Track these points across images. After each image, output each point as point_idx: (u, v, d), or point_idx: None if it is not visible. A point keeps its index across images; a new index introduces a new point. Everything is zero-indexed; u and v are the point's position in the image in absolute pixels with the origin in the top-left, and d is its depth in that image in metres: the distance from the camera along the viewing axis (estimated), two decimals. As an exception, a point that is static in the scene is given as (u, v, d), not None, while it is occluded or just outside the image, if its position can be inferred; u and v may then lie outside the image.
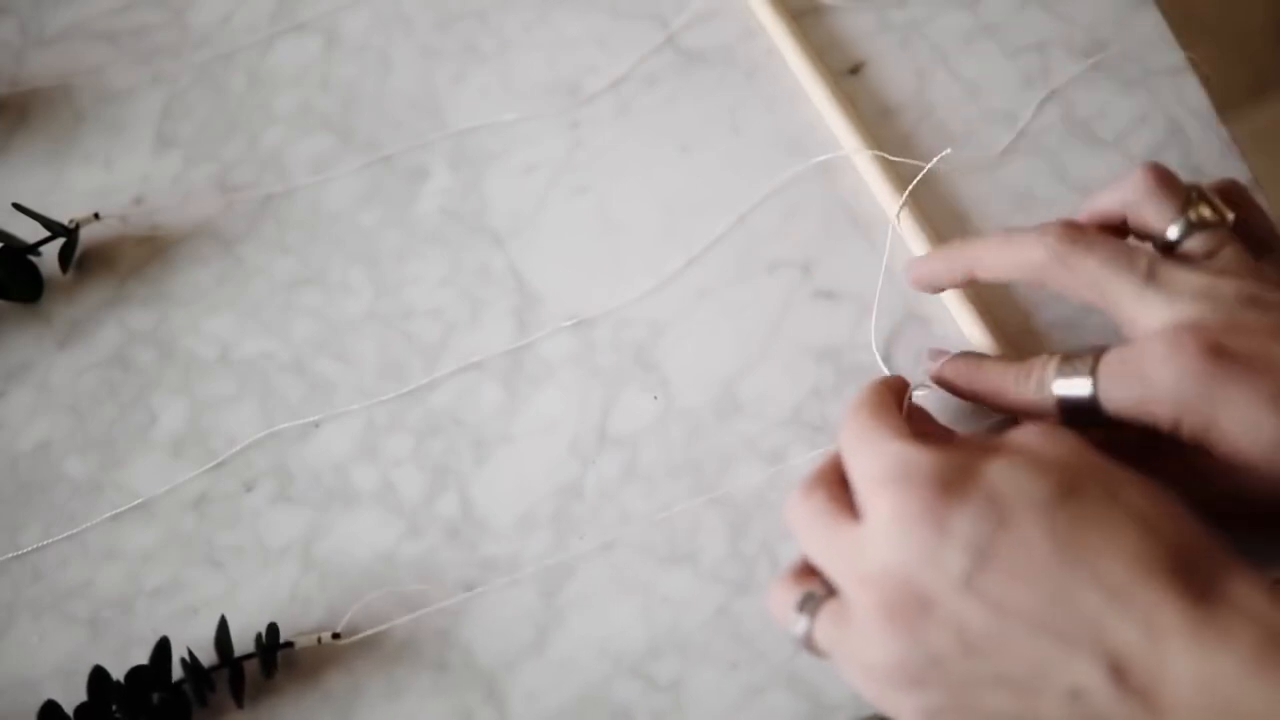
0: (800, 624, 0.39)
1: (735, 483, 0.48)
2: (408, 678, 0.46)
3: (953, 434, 0.44)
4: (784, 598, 0.40)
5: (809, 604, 0.39)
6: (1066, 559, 0.35)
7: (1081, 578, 0.35)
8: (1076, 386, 0.41)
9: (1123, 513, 0.35)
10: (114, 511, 0.49)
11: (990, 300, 0.49)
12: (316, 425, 0.50)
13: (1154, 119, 0.52)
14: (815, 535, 0.39)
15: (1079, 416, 0.41)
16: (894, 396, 0.42)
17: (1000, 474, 0.37)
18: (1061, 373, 0.41)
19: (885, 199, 0.50)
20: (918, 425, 0.42)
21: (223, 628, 0.45)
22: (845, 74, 0.54)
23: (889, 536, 0.36)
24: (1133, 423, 0.40)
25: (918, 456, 0.37)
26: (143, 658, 0.45)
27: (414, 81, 0.56)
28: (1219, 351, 0.38)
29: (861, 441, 0.39)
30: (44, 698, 0.45)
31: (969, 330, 0.48)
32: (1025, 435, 0.38)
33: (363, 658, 0.46)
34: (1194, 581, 0.34)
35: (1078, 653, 0.34)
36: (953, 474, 0.37)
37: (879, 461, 0.38)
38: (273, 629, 0.45)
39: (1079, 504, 0.36)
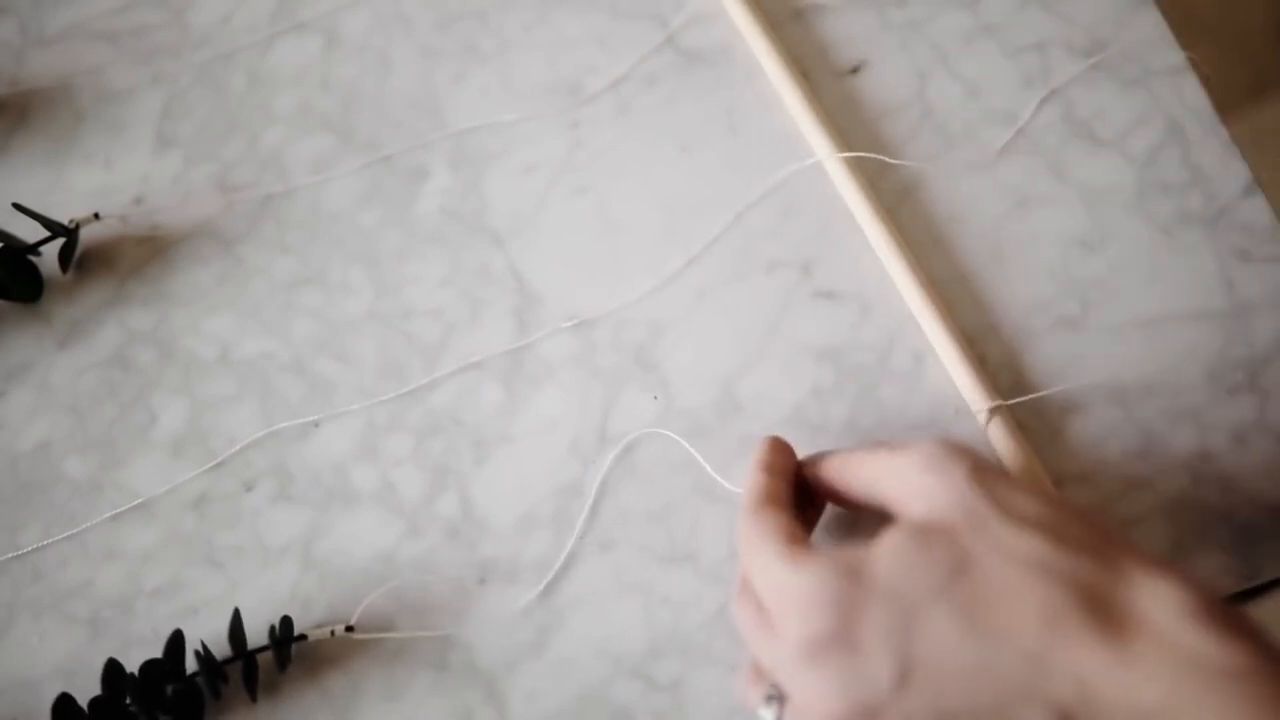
0: (770, 716, 0.39)
1: (735, 483, 0.48)
2: (408, 678, 0.46)
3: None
4: (751, 691, 0.40)
5: (773, 701, 0.39)
6: (982, 637, 0.34)
7: (1003, 651, 0.34)
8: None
9: (1017, 569, 0.35)
10: (114, 511, 0.49)
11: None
12: (316, 425, 0.50)
13: (1154, 119, 0.52)
14: (755, 643, 0.39)
15: None
16: (781, 473, 0.42)
17: (888, 566, 0.36)
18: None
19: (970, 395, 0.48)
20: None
21: (236, 620, 0.45)
22: (845, 74, 0.54)
23: (809, 668, 0.36)
24: None
25: (802, 581, 0.37)
26: (143, 658, 0.45)
27: (414, 81, 0.56)
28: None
29: (750, 557, 0.39)
30: (44, 698, 0.45)
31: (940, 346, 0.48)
32: (906, 498, 0.38)
33: (363, 657, 0.46)
34: (1104, 616, 0.34)
35: (1026, 710, 0.34)
36: (843, 587, 0.36)
37: (770, 590, 0.38)
38: (286, 621, 0.45)
39: (972, 575, 0.35)
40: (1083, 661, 0.34)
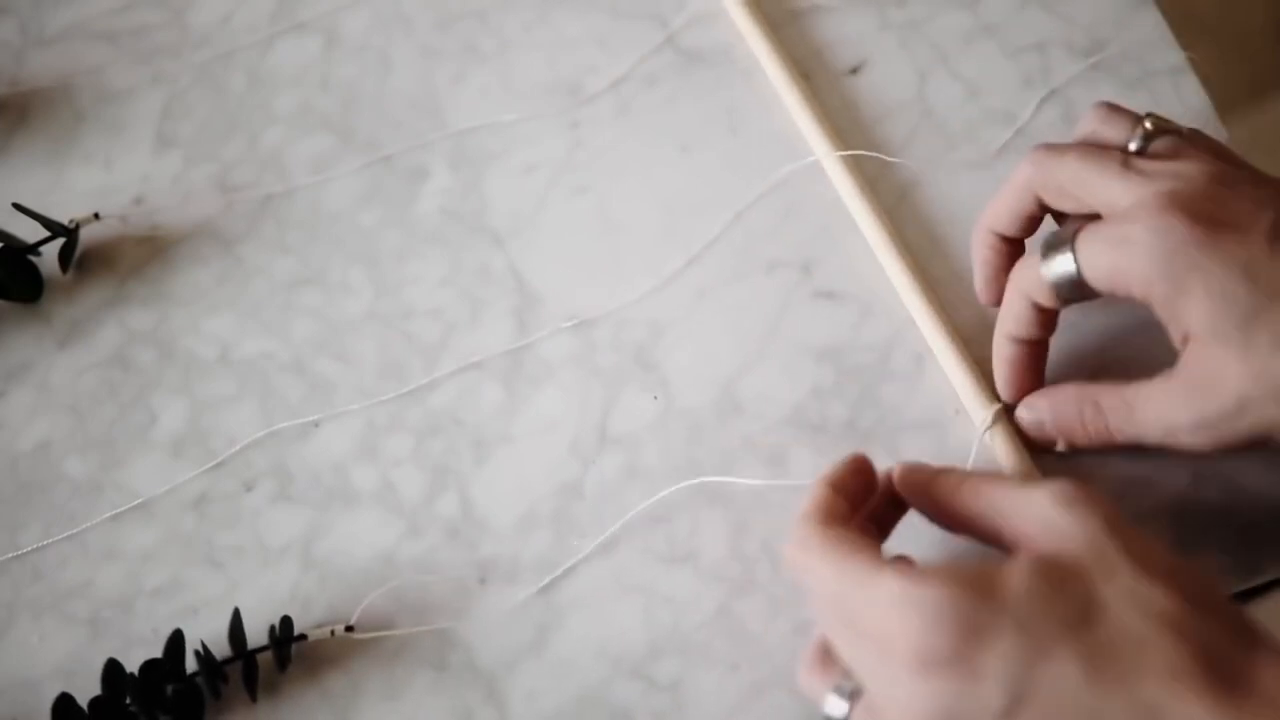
0: (839, 709, 0.38)
1: (735, 482, 0.47)
2: (407, 677, 0.46)
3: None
4: (816, 680, 0.39)
5: (843, 694, 0.38)
6: (1102, 686, 0.34)
7: (1119, 703, 0.34)
8: (1061, 264, 0.41)
9: (1146, 621, 0.35)
10: (114, 511, 0.49)
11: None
12: (316, 425, 0.50)
13: (1154, 119, 0.52)
14: (842, 646, 0.38)
15: (1069, 297, 0.42)
16: (849, 494, 0.41)
17: (1020, 597, 0.35)
18: (1045, 255, 0.42)
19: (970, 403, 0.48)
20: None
21: (236, 620, 0.45)
22: (845, 74, 0.54)
23: (914, 680, 0.35)
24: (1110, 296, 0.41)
25: (922, 595, 0.35)
26: (143, 658, 0.45)
27: (414, 81, 0.56)
28: (1196, 214, 0.39)
29: (842, 581, 0.37)
30: (44, 698, 0.45)
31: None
32: (1032, 532, 0.37)
33: (363, 657, 0.46)
34: (1225, 680, 0.34)
35: None
36: (970, 608, 0.35)
37: (874, 605, 0.36)
38: (286, 621, 0.45)
39: (1102, 621, 0.35)
40: (1197, 717, 0.33)
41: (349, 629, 0.46)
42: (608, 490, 0.48)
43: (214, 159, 0.55)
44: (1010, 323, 0.45)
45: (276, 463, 0.49)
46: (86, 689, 0.45)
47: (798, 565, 0.39)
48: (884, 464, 0.47)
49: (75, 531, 0.49)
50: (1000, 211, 0.45)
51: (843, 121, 0.53)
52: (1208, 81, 0.52)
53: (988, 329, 0.49)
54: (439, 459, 0.49)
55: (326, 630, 0.46)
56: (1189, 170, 0.41)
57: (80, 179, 0.55)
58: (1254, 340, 0.39)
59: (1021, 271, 0.44)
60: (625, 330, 0.50)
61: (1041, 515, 0.38)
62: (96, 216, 0.53)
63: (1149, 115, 0.44)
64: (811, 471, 0.47)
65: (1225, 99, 0.53)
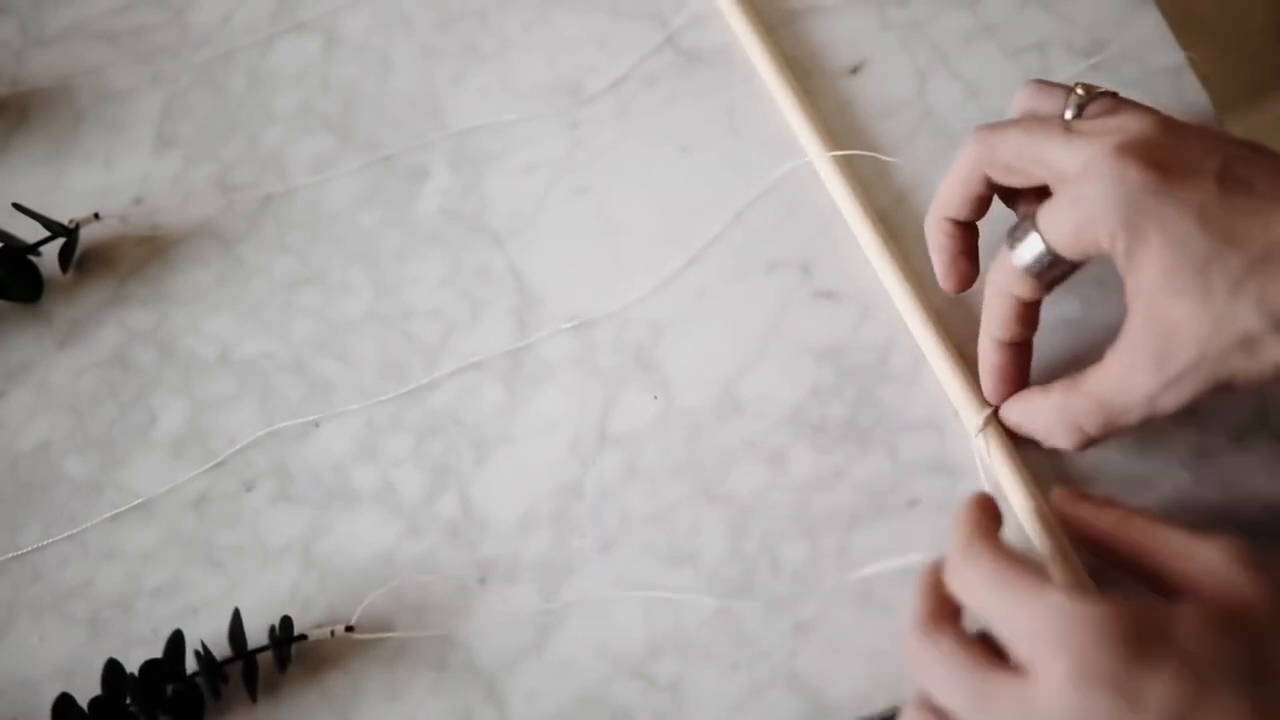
0: None
1: (735, 483, 0.48)
2: (407, 677, 0.46)
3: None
4: None
5: None
6: None
7: None
8: (1029, 246, 0.41)
9: None
10: (114, 511, 0.49)
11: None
12: (316, 425, 0.50)
13: (1154, 119, 0.52)
14: (957, 687, 0.36)
15: (1048, 278, 0.42)
16: (992, 522, 0.40)
17: (1194, 636, 0.34)
18: (1012, 243, 0.42)
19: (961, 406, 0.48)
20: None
21: (236, 620, 0.45)
22: (845, 74, 0.54)
23: (1070, 702, 0.34)
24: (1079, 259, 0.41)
25: (1093, 611, 0.34)
26: (143, 658, 0.45)
27: (414, 81, 0.56)
28: (1147, 160, 0.39)
29: (1005, 592, 0.36)
30: (44, 698, 0.45)
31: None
32: (1205, 581, 0.37)
33: (363, 658, 0.46)
34: None
35: None
36: (1141, 632, 0.34)
37: (1043, 617, 0.35)
38: (286, 622, 0.45)
39: (1275, 679, 0.34)
40: None
41: (349, 629, 0.46)
42: (608, 490, 0.48)
43: (214, 159, 0.55)
44: (994, 325, 0.44)
45: (276, 463, 0.49)
46: (86, 689, 0.45)
47: (974, 594, 0.38)
48: (885, 464, 0.48)
49: (75, 531, 0.49)
50: (950, 196, 0.45)
51: (842, 121, 0.53)
52: (1208, 81, 0.52)
53: (974, 338, 0.49)
54: (439, 459, 0.49)
55: (326, 630, 0.46)
56: (1132, 123, 0.41)
57: (80, 179, 0.55)
58: (1211, 287, 0.38)
59: (996, 270, 0.43)
60: (625, 330, 0.50)
61: (1217, 567, 0.37)
62: (96, 216, 0.53)
63: (1078, 84, 0.44)
64: (811, 471, 0.47)
65: (1225, 99, 0.53)
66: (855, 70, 0.54)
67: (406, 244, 0.53)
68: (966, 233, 0.46)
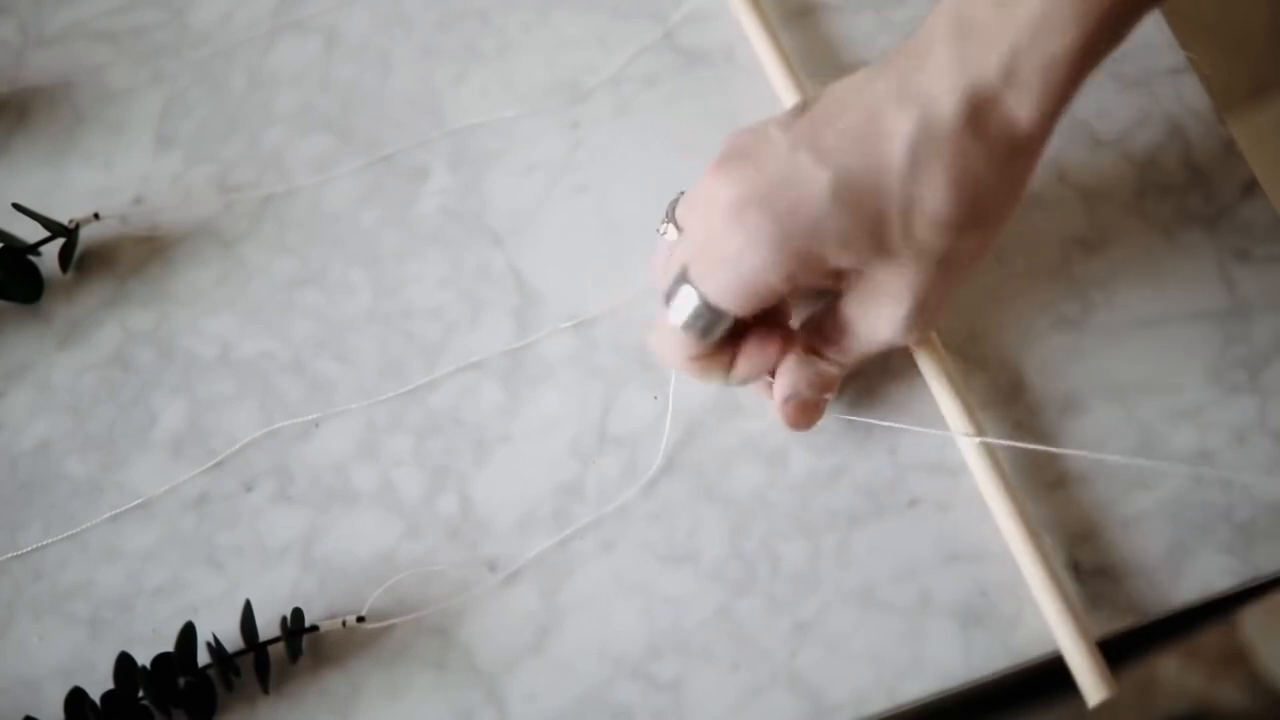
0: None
1: (735, 483, 0.48)
2: (408, 677, 0.46)
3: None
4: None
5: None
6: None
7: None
8: (684, 303, 0.42)
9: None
10: (114, 511, 0.49)
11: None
12: (316, 425, 0.50)
13: (1154, 119, 0.52)
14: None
15: (711, 333, 0.43)
16: None
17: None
18: (684, 321, 0.43)
19: None
20: None
21: (248, 612, 0.45)
22: (845, 74, 0.54)
23: (713, 181, 0.41)
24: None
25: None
26: (143, 658, 0.45)
27: (414, 81, 0.56)
28: (752, 195, 0.40)
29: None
30: (44, 698, 0.45)
31: None
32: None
33: (365, 659, 0.46)
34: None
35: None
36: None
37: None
38: (297, 613, 0.45)
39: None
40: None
41: (360, 619, 0.46)
42: (608, 490, 0.48)
43: (214, 159, 0.55)
44: (693, 368, 0.45)
45: (276, 463, 0.49)
46: (87, 688, 0.45)
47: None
48: (885, 464, 0.48)
49: (75, 531, 0.49)
50: (689, 363, 0.44)
51: (843, 121, 0.53)
52: (1208, 81, 0.52)
53: (988, 328, 0.49)
54: (439, 459, 0.49)
55: (338, 621, 0.46)
56: (711, 191, 0.42)
57: (80, 179, 0.55)
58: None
59: (675, 354, 0.44)
60: (625, 330, 0.50)
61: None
62: (96, 216, 0.53)
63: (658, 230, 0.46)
64: (811, 471, 0.47)
65: (1225, 99, 0.53)
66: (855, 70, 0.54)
67: (406, 244, 0.53)
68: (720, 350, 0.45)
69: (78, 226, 0.53)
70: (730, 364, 0.44)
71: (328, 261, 0.53)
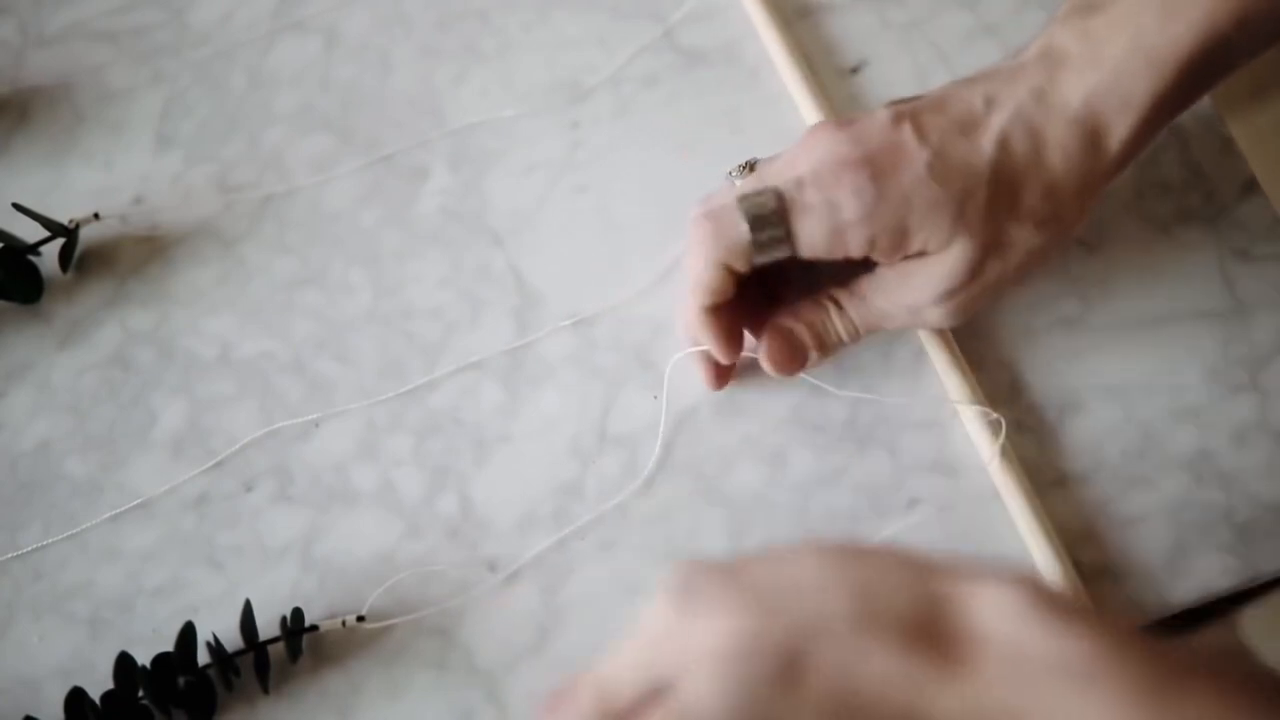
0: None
1: (735, 483, 0.47)
2: (408, 677, 0.46)
3: None
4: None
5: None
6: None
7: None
8: (777, 250, 0.43)
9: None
10: (114, 511, 0.49)
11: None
12: (316, 425, 0.50)
13: (1154, 119, 0.52)
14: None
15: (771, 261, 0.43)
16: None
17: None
18: (758, 237, 0.43)
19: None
20: None
21: (248, 612, 0.45)
22: (845, 74, 0.54)
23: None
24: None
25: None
26: (143, 658, 0.45)
27: (414, 81, 0.56)
28: (864, 155, 0.42)
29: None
30: (44, 697, 0.45)
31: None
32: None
33: (365, 659, 0.46)
34: (936, 647, 0.32)
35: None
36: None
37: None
38: (297, 613, 0.45)
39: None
40: (931, 696, 0.31)
41: (360, 619, 0.46)
42: (608, 490, 0.48)
43: (214, 159, 0.55)
44: (708, 295, 0.44)
45: (276, 463, 0.49)
46: (87, 688, 0.45)
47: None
48: (885, 464, 0.48)
49: (75, 531, 0.49)
50: (705, 290, 0.44)
51: (843, 121, 0.53)
52: (1208, 81, 0.52)
53: (989, 328, 0.49)
54: (439, 459, 0.49)
55: (338, 621, 0.46)
56: (816, 146, 0.43)
57: (80, 179, 0.55)
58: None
59: (716, 242, 0.43)
60: (625, 329, 0.50)
61: None
62: (96, 216, 0.53)
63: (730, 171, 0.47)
64: (811, 471, 0.47)
65: (1225, 99, 0.53)
66: (856, 70, 0.54)
67: (406, 244, 0.53)
68: (727, 306, 0.45)
69: (78, 226, 0.53)
70: (728, 333, 0.45)
71: (328, 261, 0.52)
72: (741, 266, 0.43)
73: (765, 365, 0.46)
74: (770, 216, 0.42)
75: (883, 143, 0.43)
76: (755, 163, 0.46)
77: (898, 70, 0.54)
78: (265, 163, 0.54)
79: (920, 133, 0.43)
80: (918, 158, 0.42)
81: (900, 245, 0.43)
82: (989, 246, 0.43)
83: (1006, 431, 0.46)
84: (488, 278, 0.52)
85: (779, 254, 0.43)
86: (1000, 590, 0.32)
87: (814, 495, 0.47)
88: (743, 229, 0.42)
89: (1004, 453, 0.46)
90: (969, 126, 0.43)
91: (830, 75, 0.54)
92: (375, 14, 0.57)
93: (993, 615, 0.32)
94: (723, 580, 0.33)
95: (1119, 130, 0.43)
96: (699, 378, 0.48)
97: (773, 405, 0.48)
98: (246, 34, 0.57)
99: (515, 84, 0.55)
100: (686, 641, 0.33)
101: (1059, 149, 0.43)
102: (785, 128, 0.53)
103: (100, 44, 0.57)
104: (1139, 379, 0.48)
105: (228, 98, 0.56)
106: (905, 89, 0.53)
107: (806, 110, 0.52)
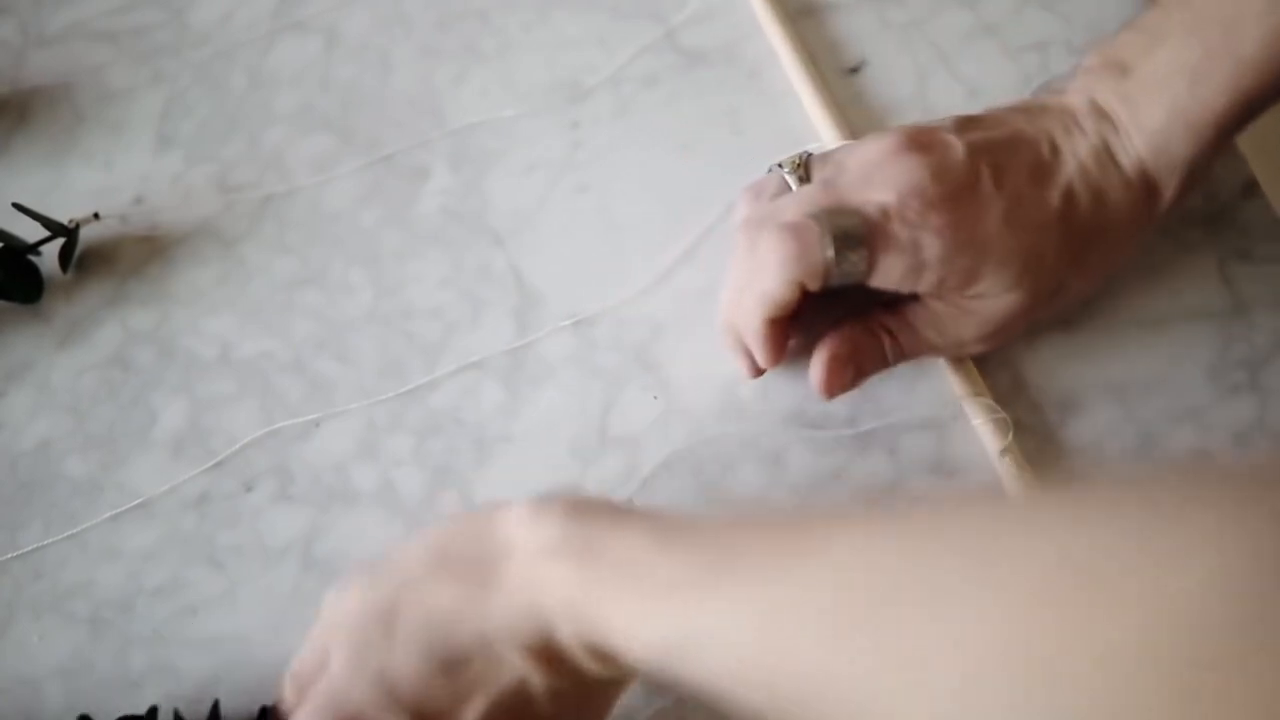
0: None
1: (735, 483, 0.47)
2: (408, 677, 0.46)
3: None
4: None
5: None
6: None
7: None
8: (853, 272, 0.42)
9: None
10: (114, 511, 0.49)
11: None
12: (317, 424, 0.50)
13: (1154, 119, 0.52)
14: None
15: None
16: None
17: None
18: (840, 257, 0.42)
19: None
20: None
21: (215, 713, 0.44)
22: (845, 73, 0.54)
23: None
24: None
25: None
26: (143, 657, 0.45)
27: (414, 81, 0.56)
28: (943, 192, 0.42)
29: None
30: (44, 698, 0.45)
31: None
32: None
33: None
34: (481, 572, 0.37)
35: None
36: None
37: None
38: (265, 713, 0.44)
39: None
40: (485, 612, 0.37)
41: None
42: (608, 490, 0.48)
43: (214, 159, 0.55)
44: (776, 310, 0.44)
45: (276, 462, 0.49)
46: (87, 689, 0.45)
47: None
48: (885, 464, 0.48)
49: (75, 531, 0.49)
50: (776, 305, 0.44)
51: (843, 121, 0.53)
52: (1208, 81, 0.52)
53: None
54: (439, 459, 0.49)
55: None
56: (898, 166, 0.43)
57: (80, 179, 0.55)
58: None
59: (798, 263, 0.42)
60: (625, 330, 0.50)
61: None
62: (96, 216, 0.53)
63: (770, 168, 0.47)
64: (811, 471, 0.47)
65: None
66: (856, 69, 0.54)
67: (407, 244, 0.53)
68: (784, 322, 0.45)
69: (78, 226, 0.53)
70: (776, 346, 0.45)
71: (328, 261, 0.52)
72: (815, 287, 0.43)
73: (817, 388, 0.46)
74: (857, 244, 0.42)
75: (963, 183, 0.42)
76: (808, 159, 0.46)
77: (898, 70, 0.54)
78: (265, 163, 0.54)
79: (997, 177, 0.43)
80: (995, 205, 0.42)
81: (965, 287, 0.43)
82: (1046, 293, 0.44)
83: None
84: (488, 278, 0.52)
85: (854, 280, 0.42)
86: (518, 507, 0.38)
87: (814, 495, 0.47)
88: (829, 254, 0.42)
89: (1011, 452, 0.46)
90: (1039, 175, 0.43)
91: (830, 75, 0.54)
92: (375, 14, 0.57)
93: (514, 529, 0.37)
94: (366, 570, 0.39)
95: (1168, 191, 0.44)
96: (738, 367, 0.47)
97: (773, 405, 0.48)
98: (246, 34, 0.57)
99: (515, 84, 0.55)
100: (333, 621, 0.39)
101: (1118, 210, 0.43)
102: (786, 128, 0.53)
103: (100, 44, 0.57)
104: (1139, 379, 0.48)
105: (228, 98, 0.56)
106: (905, 89, 0.53)
107: (809, 110, 0.52)
